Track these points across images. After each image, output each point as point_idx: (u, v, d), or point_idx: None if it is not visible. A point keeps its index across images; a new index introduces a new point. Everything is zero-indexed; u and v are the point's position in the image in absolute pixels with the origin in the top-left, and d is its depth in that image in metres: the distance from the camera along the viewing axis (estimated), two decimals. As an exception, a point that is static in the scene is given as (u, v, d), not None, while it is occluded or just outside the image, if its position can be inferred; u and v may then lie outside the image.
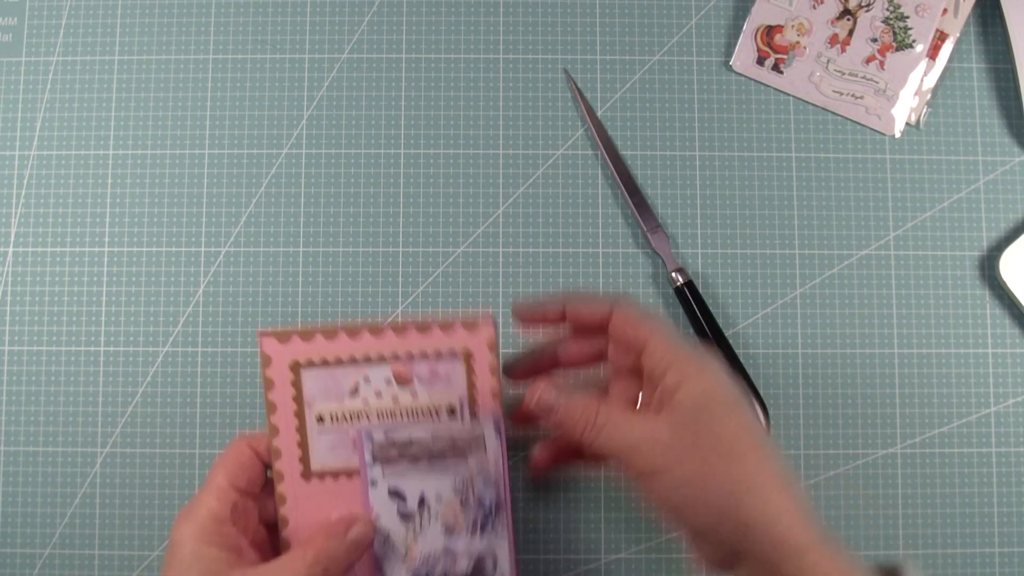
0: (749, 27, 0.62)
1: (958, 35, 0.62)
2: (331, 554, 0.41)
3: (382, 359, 0.45)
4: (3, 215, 0.61)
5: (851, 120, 0.62)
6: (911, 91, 0.62)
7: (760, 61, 0.62)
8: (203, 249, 0.61)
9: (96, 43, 0.63)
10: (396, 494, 0.45)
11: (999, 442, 0.59)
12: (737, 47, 0.62)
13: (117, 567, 0.58)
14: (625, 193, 0.60)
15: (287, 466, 0.45)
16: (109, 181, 0.61)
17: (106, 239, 0.61)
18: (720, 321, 0.59)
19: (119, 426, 0.59)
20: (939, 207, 0.61)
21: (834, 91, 0.62)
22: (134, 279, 0.60)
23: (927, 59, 0.62)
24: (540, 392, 0.44)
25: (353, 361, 0.45)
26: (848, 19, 0.62)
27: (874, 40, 0.62)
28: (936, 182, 0.61)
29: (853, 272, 0.61)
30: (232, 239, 0.61)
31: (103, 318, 0.60)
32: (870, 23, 0.62)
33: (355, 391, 0.44)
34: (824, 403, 0.59)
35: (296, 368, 0.44)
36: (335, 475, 0.45)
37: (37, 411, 0.59)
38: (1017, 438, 0.59)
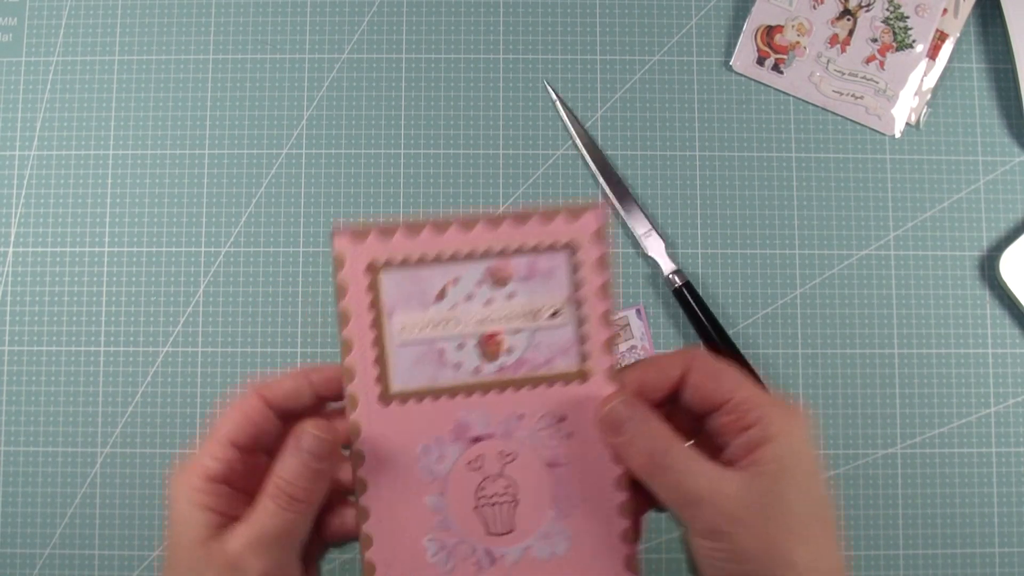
0: (749, 27, 0.62)
1: (958, 35, 0.62)
2: (289, 477, 0.35)
3: (474, 256, 0.38)
4: (3, 215, 0.61)
5: (851, 120, 0.62)
6: (911, 91, 0.62)
7: (760, 61, 0.62)
8: (203, 249, 0.61)
9: (96, 43, 0.63)
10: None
11: (999, 442, 0.59)
12: (737, 47, 0.62)
13: (117, 567, 0.58)
14: (615, 201, 0.60)
15: (362, 389, 0.38)
16: (109, 181, 0.61)
17: (106, 239, 0.61)
18: (721, 321, 0.59)
19: (119, 426, 0.59)
20: (939, 207, 0.61)
21: (834, 91, 0.62)
22: (134, 279, 0.60)
23: (927, 59, 0.62)
24: (616, 402, 0.36)
25: (440, 260, 0.38)
26: (848, 19, 0.62)
27: (874, 40, 0.62)
28: (936, 182, 0.61)
29: (853, 272, 0.61)
30: (232, 239, 0.61)
31: (103, 318, 0.60)
32: (870, 23, 0.62)
33: (443, 295, 0.38)
34: (824, 403, 0.59)
35: (374, 270, 0.38)
36: (419, 397, 0.38)
37: (37, 411, 0.59)
38: (1017, 438, 0.59)
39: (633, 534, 0.38)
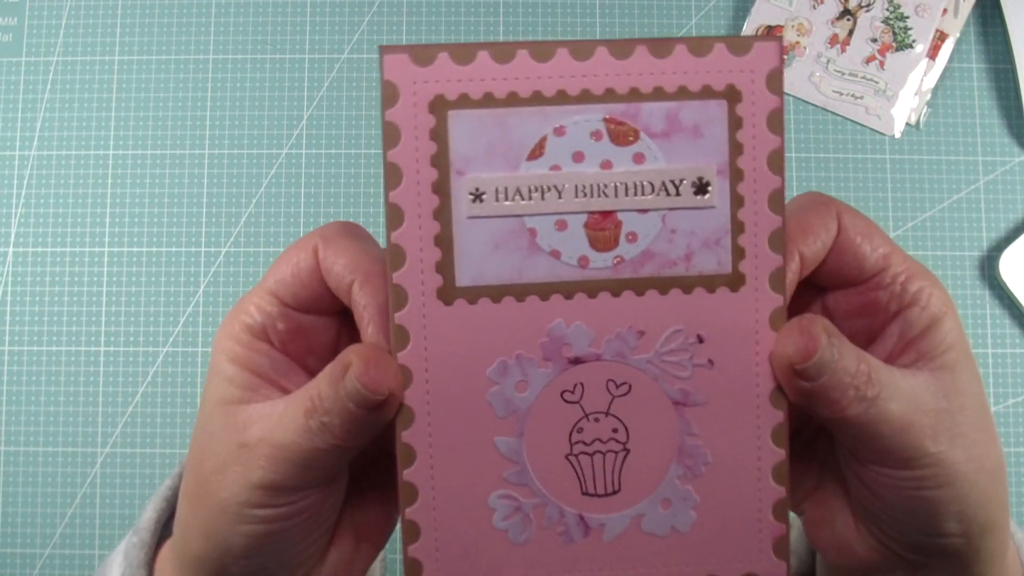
0: (749, 27, 0.62)
1: (958, 35, 0.62)
2: (327, 407, 0.26)
3: (589, 98, 0.27)
4: (3, 215, 0.61)
5: (851, 120, 0.62)
6: (911, 91, 0.62)
7: (760, 61, 0.62)
8: (203, 249, 0.61)
9: (96, 43, 0.63)
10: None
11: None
12: (737, 47, 0.62)
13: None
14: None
15: (414, 279, 0.27)
16: (109, 181, 0.61)
17: (106, 239, 0.61)
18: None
19: (119, 426, 0.59)
20: (939, 207, 0.61)
21: (834, 91, 0.62)
22: (134, 279, 0.60)
23: (927, 59, 0.62)
24: (816, 337, 0.26)
25: (540, 100, 0.26)
26: (848, 19, 0.62)
27: (874, 40, 0.62)
28: (936, 182, 0.61)
29: (853, 272, 0.61)
30: (232, 239, 0.61)
31: (103, 318, 0.60)
32: (870, 23, 0.62)
33: (540, 151, 0.27)
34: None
35: (441, 108, 0.26)
36: (497, 295, 0.27)
37: (37, 411, 0.59)
38: (1017, 438, 0.59)
39: (787, 506, 0.28)
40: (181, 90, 0.62)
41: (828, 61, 0.62)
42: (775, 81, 0.27)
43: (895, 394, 0.26)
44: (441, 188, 0.27)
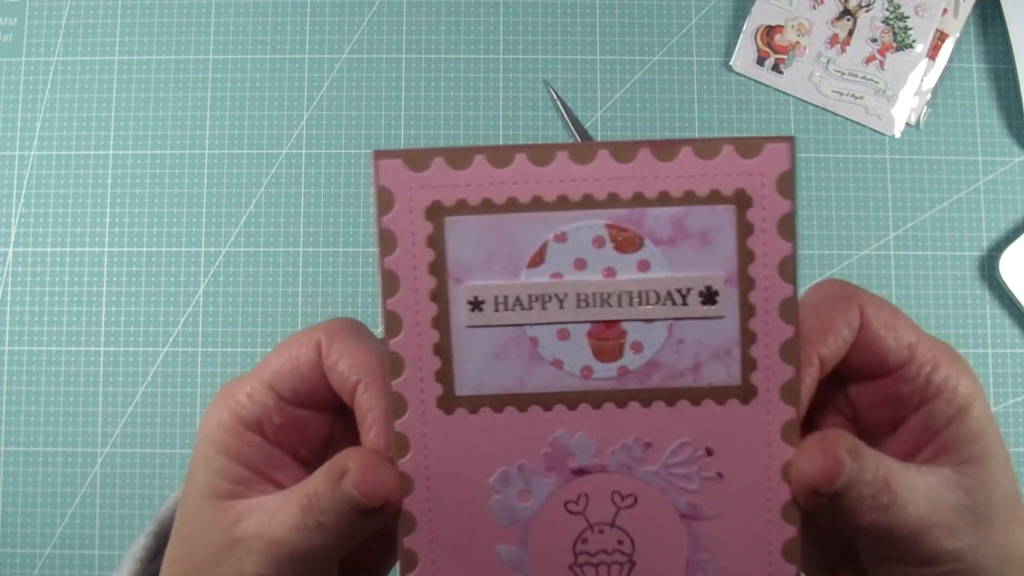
0: (749, 27, 0.62)
1: (958, 35, 0.62)
2: (323, 506, 0.26)
3: (591, 203, 0.26)
4: (3, 215, 0.61)
5: (851, 120, 0.62)
6: (911, 91, 0.62)
7: (760, 61, 0.62)
8: (203, 249, 0.61)
9: (96, 43, 0.63)
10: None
11: (999, 442, 0.59)
12: (737, 47, 0.62)
13: (117, 567, 0.58)
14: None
15: (414, 388, 0.26)
16: (109, 181, 0.61)
17: (106, 239, 0.61)
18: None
19: (119, 426, 0.59)
20: (939, 207, 0.61)
21: (834, 91, 0.62)
22: (134, 279, 0.60)
23: (927, 59, 0.62)
24: (840, 461, 0.25)
25: (539, 205, 0.26)
26: (848, 19, 0.62)
27: (874, 40, 0.62)
28: (936, 182, 0.61)
29: (853, 272, 0.61)
30: (232, 239, 0.61)
31: (103, 318, 0.60)
32: (870, 23, 0.62)
33: (540, 258, 0.26)
34: (824, 403, 0.59)
35: (438, 215, 0.26)
36: (498, 405, 0.26)
37: (37, 411, 0.59)
38: (1017, 438, 0.59)
39: None
40: (181, 90, 0.62)
41: (828, 61, 0.62)
42: (786, 184, 0.25)
43: (913, 497, 0.25)
44: (439, 296, 0.26)
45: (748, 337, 0.26)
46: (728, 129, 0.62)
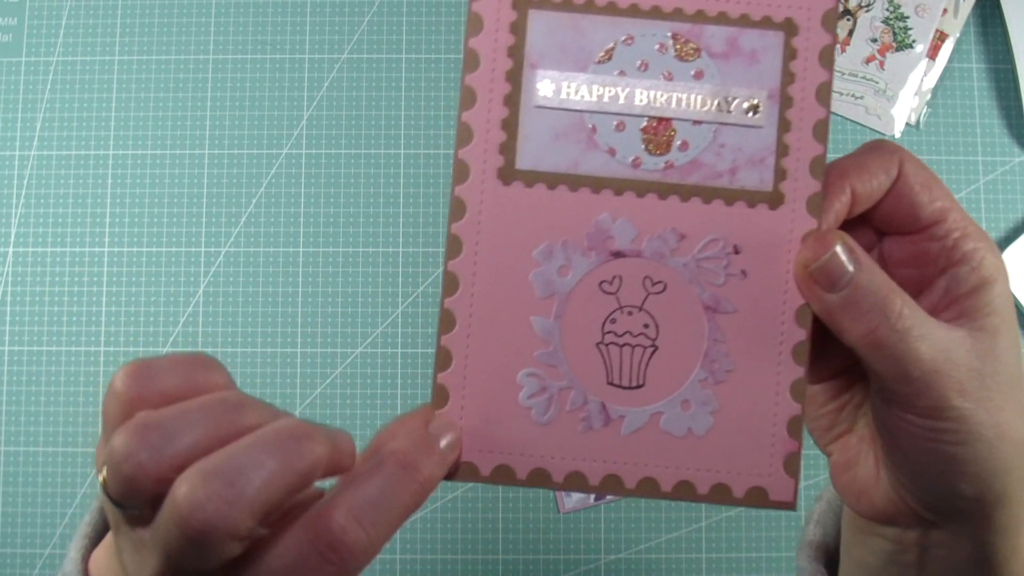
0: (749, 27, 0.62)
1: (958, 35, 0.62)
2: (431, 475, 0.26)
3: (659, 13, 0.29)
4: (3, 215, 0.61)
5: (851, 120, 0.62)
6: (911, 91, 0.62)
7: (760, 61, 0.62)
8: (203, 249, 0.61)
9: (96, 43, 0.63)
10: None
11: (999, 442, 0.59)
12: (737, 47, 0.62)
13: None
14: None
15: (478, 156, 0.28)
16: (109, 181, 0.61)
17: (106, 239, 0.61)
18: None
19: (119, 426, 0.59)
20: (939, 207, 0.61)
21: (834, 91, 0.62)
22: (134, 279, 0.60)
23: (927, 59, 0.62)
24: (831, 249, 0.27)
25: (614, 10, 0.29)
26: (848, 19, 0.62)
27: (874, 40, 0.62)
28: (936, 182, 0.61)
29: (853, 272, 0.61)
30: (232, 239, 0.61)
31: (103, 318, 0.60)
32: (870, 23, 0.62)
33: (609, 56, 0.29)
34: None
35: (523, 5, 0.29)
36: (552, 182, 0.28)
37: (37, 411, 0.59)
38: (1017, 438, 0.59)
39: (801, 423, 0.29)
40: (181, 90, 0.62)
41: (828, 61, 0.62)
42: (830, 20, 0.29)
43: (927, 337, 0.27)
44: (514, 77, 0.29)
45: (783, 149, 0.28)
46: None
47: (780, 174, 0.28)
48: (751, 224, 0.28)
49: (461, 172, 0.28)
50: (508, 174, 0.29)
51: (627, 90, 0.29)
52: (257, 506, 0.23)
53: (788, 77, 0.29)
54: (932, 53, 0.62)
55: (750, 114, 0.29)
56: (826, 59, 0.29)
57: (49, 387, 0.60)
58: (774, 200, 0.28)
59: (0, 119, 0.62)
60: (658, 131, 0.29)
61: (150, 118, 0.62)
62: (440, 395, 0.28)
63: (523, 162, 0.29)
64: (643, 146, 0.29)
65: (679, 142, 0.29)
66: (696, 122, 0.29)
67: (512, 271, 0.28)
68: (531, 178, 0.28)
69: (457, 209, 0.28)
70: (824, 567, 0.35)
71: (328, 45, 0.63)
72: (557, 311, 0.28)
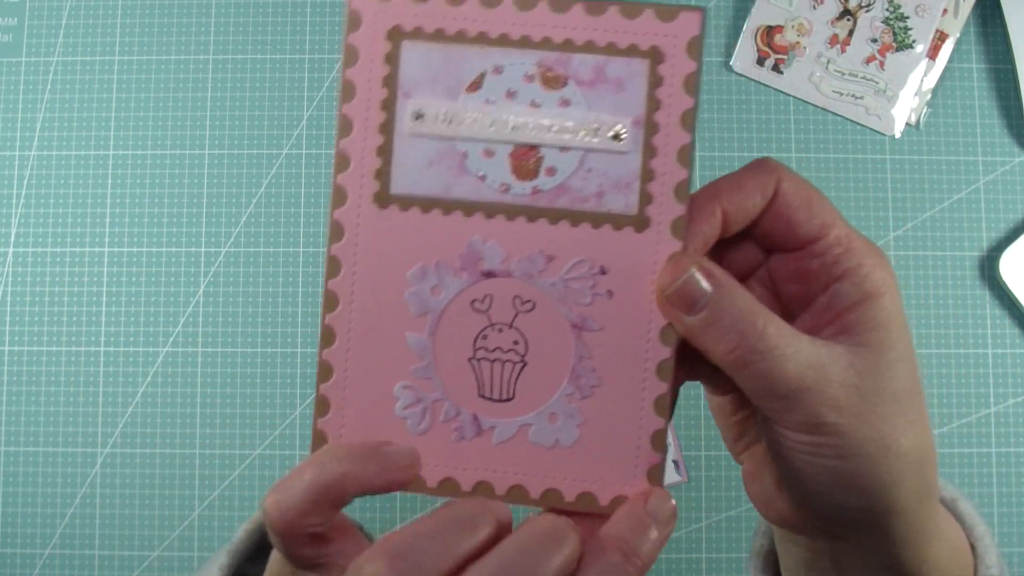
0: (749, 27, 0.62)
1: (958, 35, 0.62)
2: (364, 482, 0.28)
3: (527, 44, 0.30)
4: (3, 215, 0.61)
5: (851, 120, 0.62)
6: (911, 91, 0.62)
7: (760, 61, 0.62)
8: (203, 249, 0.61)
9: (96, 43, 0.63)
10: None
11: (999, 442, 0.59)
12: (737, 47, 0.62)
13: (117, 567, 0.58)
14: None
15: (355, 182, 0.30)
16: (109, 181, 0.61)
17: (106, 239, 0.61)
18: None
19: (119, 426, 0.59)
20: (939, 207, 0.61)
21: (834, 91, 0.62)
22: (134, 279, 0.60)
23: (927, 59, 0.62)
24: (686, 273, 0.28)
25: (484, 40, 0.30)
26: (848, 19, 0.62)
27: (874, 40, 0.62)
28: (936, 182, 0.61)
29: (853, 272, 0.61)
30: (232, 239, 0.61)
31: (103, 318, 0.60)
32: (870, 23, 0.62)
33: (478, 85, 0.30)
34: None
35: (397, 37, 0.30)
36: (426, 206, 0.30)
37: (37, 411, 0.59)
38: (1017, 438, 0.59)
39: (664, 437, 0.29)
40: (181, 90, 0.62)
41: (828, 61, 0.62)
42: (694, 48, 0.29)
43: (794, 356, 0.27)
44: (388, 106, 0.30)
45: (648, 174, 0.29)
46: (730, 131, 0.62)
47: (645, 198, 0.29)
48: (617, 246, 0.29)
49: (339, 197, 0.30)
50: (384, 199, 0.30)
51: (494, 118, 0.30)
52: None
53: (653, 104, 0.29)
54: (932, 53, 0.62)
55: (616, 141, 0.29)
56: (691, 86, 0.29)
57: (49, 387, 0.60)
58: (639, 223, 0.29)
59: (0, 119, 0.62)
60: (525, 158, 0.30)
61: (150, 118, 0.62)
62: (321, 405, 0.30)
63: (398, 187, 0.30)
64: (511, 172, 0.30)
65: (546, 168, 0.30)
66: (563, 148, 0.29)
67: (387, 290, 0.30)
68: (406, 202, 0.30)
69: (335, 232, 0.30)
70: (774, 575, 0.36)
71: (328, 45, 0.63)
72: (430, 328, 0.30)
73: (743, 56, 0.62)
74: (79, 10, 0.63)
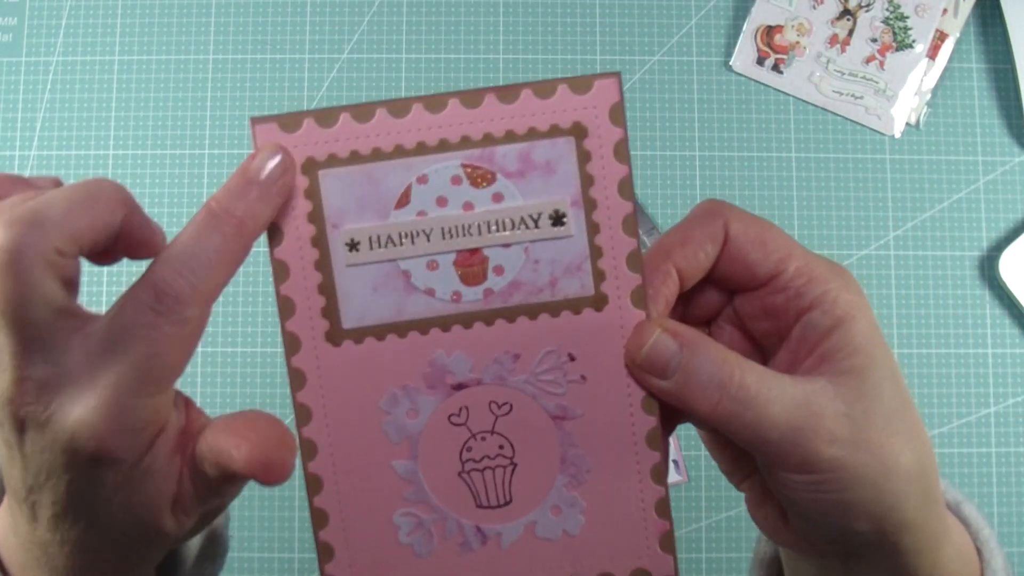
0: (749, 27, 0.62)
1: (958, 35, 0.62)
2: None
3: (447, 146, 0.29)
4: (3, 215, 0.61)
5: (851, 120, 0.62)
6: (911, 91, 0.62)
7: (760, 61, 0.62)
8: (203, 249, 0.61)
9: (96, 43, 0.63)
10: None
11: (999, 442, 0.59)
12: (737, 47, 0.62)
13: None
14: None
15: (305, 326, 0.29)
16: (109, 181, 0.61)
17: (106, 239, 0.61)
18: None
19: (119, 426, 0.59)
20: (939, 207, 0.61)
21: (834, 91, 0.62)
22: (134, 279, 0.60)
23: (927, 59, 0.62)
24: (652, 338, 0.28)
25: (402, 153, 0.29)
26: (848, 19, 0.62)
27: (874, 40, 0.62)
28: (936, 182, 0.61)
29: (853, 272, 0.61)
30: (232, 239, 0.61)
31: (103, 318, 0.60)
32: (870, 23, 0.62)
33: (406, 199, 0.29)
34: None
35: (312, 169, 0.29)
36: (380, 333, 0.29)
37: (37, 411, 0.59)
38: (1017, 438, 0.59)
39: (666, 503, 0.29)
40: (181, 90, 0.62)
41: (828, 61, 0.62)
42: (617, 114, 0.28)
43: (779, 398, 0.27)
44: (320, 241, 0.29)
45: (596, 252, 0.29)
46: (730, 131, 0.62)
47: (599, 276, 0.29)
48: (580, 330, 0.29)
49: (292, 344, 0.29)
50: (336, 336, 0.29)
51: (430, 229, 0.29)
52: (65, 230, 0.26)
53: (587, 180, 0.29)
54: (932, 53, 0.62)
55: (557, 226, 0.29)
56: (621, 154, 0.29)
57: (49, 387, 0.60)
58: (598, 302, 0.29)
59: (0, 119, 0.62)
60: (470, 262, 0.29)
61: (150, 118, 0.62)
62: (325, 551, 0.29)
63: (348, 321, 0.29)
64: (459, 280, 0.29)
65: (493, 268, 0.29)
66: (506, 245, 0.29)
67: (363, 425, 0.29)
68: (358, 335, 0.29)
69: (297, 379, 0.29)
70: None
71: (328, 45, 0.63)
72: (413, 452, 0.29)
73: (743, 56, 0.62)
74: (79, 10, 0.63)
